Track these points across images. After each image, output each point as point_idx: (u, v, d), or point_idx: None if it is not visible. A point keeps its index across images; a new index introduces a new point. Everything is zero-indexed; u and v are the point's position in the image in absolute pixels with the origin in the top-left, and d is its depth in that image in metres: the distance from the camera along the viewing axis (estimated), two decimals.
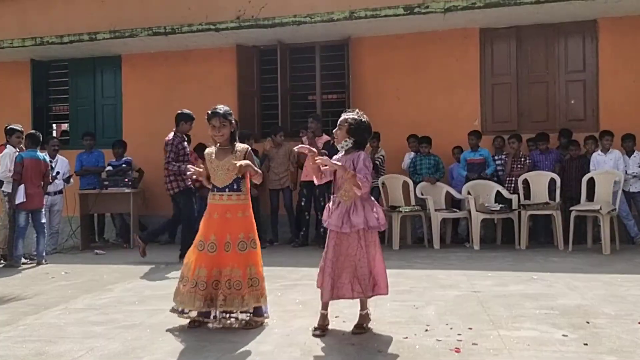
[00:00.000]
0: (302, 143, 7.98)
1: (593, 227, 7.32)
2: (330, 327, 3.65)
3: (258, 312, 3.85)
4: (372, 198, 3.72)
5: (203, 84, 9.25)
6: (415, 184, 7.87)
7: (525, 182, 7.56)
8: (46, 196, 7.48)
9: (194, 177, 3.97)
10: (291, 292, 4.81)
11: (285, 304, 4.35)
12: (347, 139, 3.62)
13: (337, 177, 3.64)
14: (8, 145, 7.20)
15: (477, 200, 7.50)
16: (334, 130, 3.73)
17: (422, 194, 7.75)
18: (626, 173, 7.31)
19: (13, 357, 3.33)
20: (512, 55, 8.50)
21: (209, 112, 3.90)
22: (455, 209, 7.89)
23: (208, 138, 4.01)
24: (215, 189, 3.89)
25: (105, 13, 9.08)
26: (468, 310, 4.09)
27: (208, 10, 8.65)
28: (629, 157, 7.51)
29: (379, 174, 7.90)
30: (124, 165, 8.69)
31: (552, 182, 7.41)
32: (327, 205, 3.76)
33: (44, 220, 7.24)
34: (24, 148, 7.11)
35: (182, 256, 6.75)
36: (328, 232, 3.65)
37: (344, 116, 3.66)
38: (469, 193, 7.53)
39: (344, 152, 3.67)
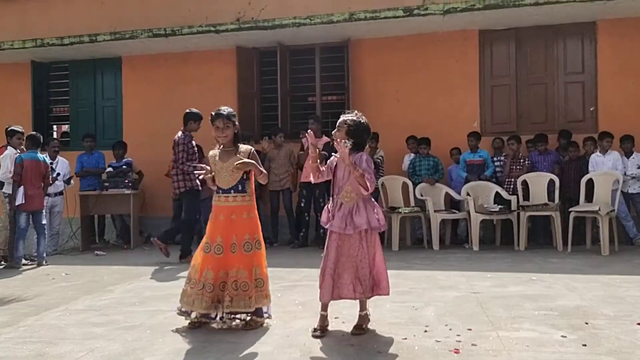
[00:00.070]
0: (303, 144, 8.02)
1: (592, 228, 7.33)
2: (329, 328, 3.67)
3: (258, 312, 3.86)
4: (372, 199, 3.73)
5: (203, 86, 9.27)
6: (415, 185, 7.88)
7: (524, 183, 7.57)
8: (47, 197, 7.49)
9: (202, 177, 3.96)
10: (291, 293, 4.82)
11: (285, 305, 4.36)
12: (346, 141, 3.63)
13: (338, 178, 3.64)
14: (9, 147, 7.22)
15: (476, 201, 7.52)
16: (332, 132, 3.74)
17: (421, 195, 7.76)
18: (625, 174, 7.32)
19: (13, 358, 3.34)
20: (511, 57, 8.52)
21: (213, 113, 3.93)
22: (454, 210, 7.90)
23: (207, 139, 4.03)
24: (220, 191, 3.90)
25: (106, 15, 9.10)
26: (467, 311, 4.11)
27: (208, 12, 8.67)
28: (628, 158, 7.53)
29: (378, 175, 7.92)
30: (124, 167, 8.70)
31: (551, 183, 7.42)
32: (325, 207, 3.77)
33: (44, 222, 7.25)
34: (24, 149, 7.13)
35: (181, 257, 6.78)
36: (328, 233, 3.66)
37: (342, 118, 3.68)
38: (468, 194, 7.54)
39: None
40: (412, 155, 8.29)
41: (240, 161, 3.80)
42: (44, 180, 7.16)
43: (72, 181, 8.53)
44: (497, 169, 8.01)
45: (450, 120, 8.46)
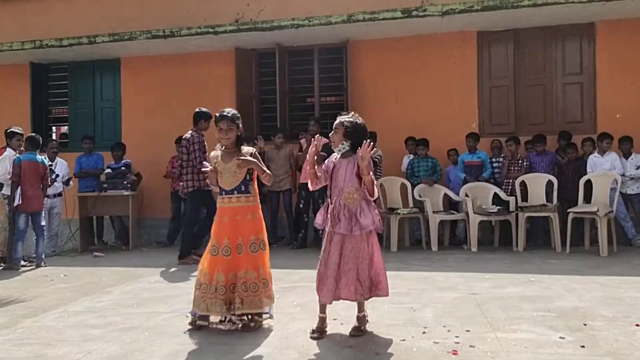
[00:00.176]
0: (301, 145, 8.02)
1: (590, 229, 7.33)
2: (327, 329, 3.67)
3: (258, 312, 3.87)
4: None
5: (202, 87, 9.28)
6: (413, 186, 7.88)
7: (523, 184, 7.58)
8: (46, 199, 7.48)
9: (207, 174, 3.95)
10: (289, 295, 4.82)
11: (284, 307, 4.35)
12: (344, 142, 3.64)
13: (338, 180, 3.62)
14: (8, 148, 7.22)
15: (475, 202, 7.52)
16: (330, 134, 3.74)
17: (420, 196, 7.77)
18: (623, 175, 7.33)
19: (11, 359, 3.34)
20: (509, 58, 8.53)
21: (217, 114, 3.93)
22: (453, 211, 7.91)
23: (208, 140, 4.04)
24: (224, 192, 3.91)
25: (105, 16, 9.10)
26: (465, 312, 4.11)
27: (207, 14, 8.67)
28: (626, 159, 7.53)
29: (377, 175, 7.91)
30: (123, 168, 8.69)
31: (550, 184, 7.43)
32: (320, 210, 3.77)
33: (43, 223, 7.25)
34: (23, 151, 7.13)
35: (180, 257, 6.77)
36: (326, 235, 3.64)
37: (339, 119, 3.68)
38: (466, 195, 7.54)
39: (340, 155, 3.67)
40: (412, 156, 8.29)
41: (243, 157, 3.80)
42: (42, 182, 7.16)
43: (71, 182, 8.53)
44: (496, 170, 8.01)
45: (448, 121, 8.46)
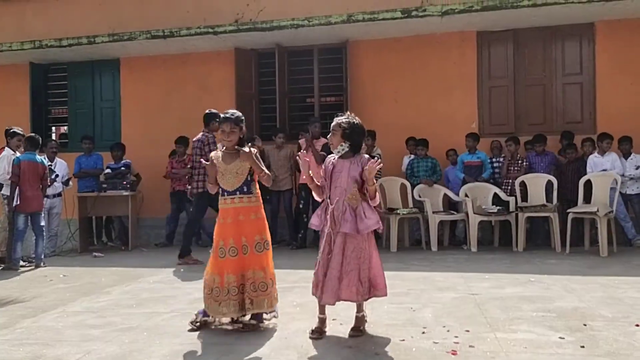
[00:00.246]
0: (300, 145, 8.00)
1: (590, 229, 7.32)
2: (327, 329, 3.66)
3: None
4: None
5: (201, 87, 9.28)
6: (413, 186, 7.88)
7: (523, 184, 7.57)
8: (45, 199, 7.48)
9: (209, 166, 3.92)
10: (289, 295, 4.81)
11: (283, 307, 4.33)
12: (343, 144, 3.63)
13: (340, 181, 3.60)
14: (6, 148, 7.22)
15: (475, 202, 7.52)
16: (328, 136, 3.74)
17: (419, 196, 7.76)
18: (623, 175, 7.32)
19: None
20: (509, 58, 8.53)
21: (222, 115, 3.93)
22: (452, 211, 7.90)
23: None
24: (226, 193, 3.90)
25: (104, 16, 9.10)
26: (465, 312, 4.10)
27: (206, 14, 8.67)
28: (626, 159, 7.52)
29: (377, 175, 7.88)
30: (122, 168, 8.69)
31: (550, 184, 7.42)
32: (317, 211, 3.75)
33: (42, 223, 7.24)
34: (23, 151, 7.13)
35: (180, 256, 6.76)
36: (326, 235, 3.62)
37: (336, 121, 3.66)
38: (466, 195, 7.54)
39: (339, 156, 3.66)
40: (412, 156, 8.29)
41: (245, 151, 3.80)
42: (42, 182, 7.15)
43: (70, 182, 8.53)
44: (496, 171, 8.01)
45: (448, 122, 8.46)
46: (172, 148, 8.74)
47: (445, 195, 7.95)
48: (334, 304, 3.57)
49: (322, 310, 3.67)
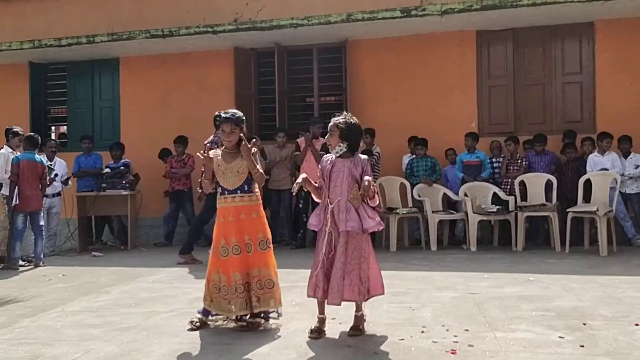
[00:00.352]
0: (298, 145, 8.01)
1: (590, 228, 7.32)
2: (326, 329, 3.66)
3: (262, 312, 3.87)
4: None
5: (201, 87, 9.28)
6: (412, 185, 7.87)
7: (522, 184, 7.57)
8: (44, 198, 7.47)
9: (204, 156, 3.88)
10: (288, 294, 4.79)
11: (283, 306, 4.33)
12: (341, 144, 3.62)
13: (340, 180, 3.60)
14: (5, 146, 7.22)
15: (474, 201, 7.51)
16: (325, 137, 3.73)
17: (419, 196, 7.76)
18: (623, 175, 7.32)
19: (9, 359, 3.33)
20: (509, 58, 8.52)
21: (222, 115, 3.91)
22: (452, 211, 7.90)
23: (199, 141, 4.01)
24: (226, 192, 3.89)
25: (103, 16, 9.09)
26: (464, 312, 4.10)
27: (206, 13, 8.66)
28: (625, 158, 7.52)
29: (375, 173, 7.89)
30: (121, 168, 8.68)
31: (549, 183, 7.41)
32: (315, 211, 3.74)
33: (42, 223, 7.23)
34: (22, 150, 7.13)
35: (181, 252, 6.76)
36: (326, 235, 3.61)
37: (333, 121, 3.66)
38: (465, 195, 7.53)
39: (337, 156, 3.65)
40: (412, 156, 8.28)
41: (245, 144, 3.80)
42: (41, 182, 7.15)
43: (69, 182, 8.53)
44: (496, 170, 8.00)
45: (448, 121, 8.45)
46: (171, 147, 8.71)
47: (444, 194, 7.95)
48: (340, 304, 3.56)
49: (321, 309, 3.67)
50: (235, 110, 3.99)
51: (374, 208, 3.68)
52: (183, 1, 8.88)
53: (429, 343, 3.38)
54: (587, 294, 4.60)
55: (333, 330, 3.69)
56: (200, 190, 6.86)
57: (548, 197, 7.40)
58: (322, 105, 9.11)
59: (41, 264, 7.04)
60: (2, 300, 5.03)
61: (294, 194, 4.07)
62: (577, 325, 3.69)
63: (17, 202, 6.87)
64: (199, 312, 3.96)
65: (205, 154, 3.87)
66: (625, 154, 7.55)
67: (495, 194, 7.63)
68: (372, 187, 3.53)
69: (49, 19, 9.33)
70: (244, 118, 3.97)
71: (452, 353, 3.18)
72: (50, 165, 7.82)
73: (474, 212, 7.39)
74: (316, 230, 3.73)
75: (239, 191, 3.87)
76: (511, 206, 7.44)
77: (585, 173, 7.33)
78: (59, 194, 8.27)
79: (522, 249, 7.24)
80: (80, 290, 5.38)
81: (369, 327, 3.70)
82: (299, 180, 3.64)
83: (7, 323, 4.17)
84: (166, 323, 4.03)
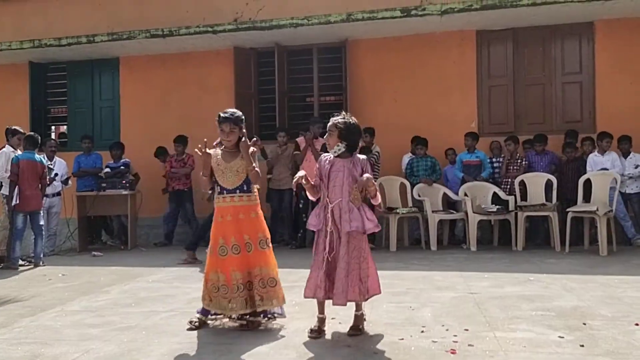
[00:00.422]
0: (298, 144, 8.00)
1: (590, 228, 7.32)
2: (326, 328, 3.65)
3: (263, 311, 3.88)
4: None
5: (201, 86, 9.27)
6: (412, 185, 7.87)
7: (522, 184, 7.57)
8: (44, 198, 7.47)
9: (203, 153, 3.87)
10: (288, 294, 4.76)
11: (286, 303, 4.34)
12: (339, 144, 3.62)
13: (341, 179, 3.60)
14: (7, 145, 7.23)
15: (474, 201, 7.51)
16: (324, 137, 3.74)
17: (419, 196, 7.76)
18: (622, 174, 7.31)
19: (8, 359, 3.33)
20: (508, 57, 8.52)
21: (221, 115, 3.90)
22: (452, 211, 7.89)
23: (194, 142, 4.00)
24: (225, 191, 3.89)
25: (103, 15, 9.09)
26: (464, 311, 4.10)
27: (206, 13, 8.66)
28: (625, 158, 7.52)
29: (375, 173, 7.88)
30: (121, 167, 8.68)
31: (549, 183, 7.41)
32: (315, 210, 3.73)
33: (41, 222, 7.23)
34: (22, 149, 7.13)
35: (188, 248, 6.76)
36: (328, 235, 3.59)
37: (332, 121, 3.66)
38: (465, 194, 7.53)
39: (335, 156, 3.64)
40: (412, 155, 8.27)
41: (244, 141, 3.80)
42: (41, 181, 7.14)
43: (69, 182, 8.52)
44: (496, 170, 8.00)
45: (447, 121, 8.45)
46: (171, 147, 8.71)
47: (444, 194, 7.94)
48: (345, 305, 3.56)
49: (321, 309, 3.67)
50: (234, 110, 3.98)
51: (373, 209, 3.69)
52: (183, 1, 8.88)
53: (428, 343, 3.38)
54: (587, 293, 4.60)
55: (333, 330, 3.69)
56: (210, 192, 6.87)
57: (548, 196, 7.40)
58: (322, 105, 9.11)
59: (41, 263, 7.04)
60: (1, 299, 5.03)
61: (294, 189, 4.06)
62: (577, 325, 3.69)
63: (17, 201, 6.87)
64: (197, 312, 3.96)
65: (204, 150, 3.85)
66: (625, 154, 7.55)
67: (495, 193, 7.63)
68: (373, 184, 3.54)
69: (48, 18, 9.33)
70: (243, 117, 3.96)
71: (452, 353, 3.18)
72: (50, 165, 7.81)
73: (473, 212, 7.39)
74: (315, 229, 3.73)
75: (238, 191, 3.87)
76: (511, 206, 7.44)
77: (585, 173, 7.33)
78: (58, 194, 8.26)
79: (522, 248, 7.24)
80: (80, 289, 5.38)
81: (369, 327, 3.70)
82: (299, 174, 3.64)
83: (6, 323, 4.17)
84: (166, 323, 4.02)
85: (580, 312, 4.00)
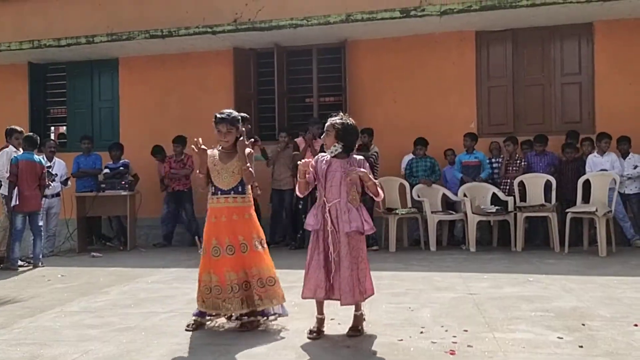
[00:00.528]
0: (298, 144, 8.00)
1: (589, 229, 7.32)
2: (325, 329, 3.65)
3: (263, 312, 3.87)
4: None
5: (200, 87, 9.27)
6: (412, 186, 7.87)
7: (521, 184, 7.57)
8: (44, 199, 7.46)
9: (199, 151, 3.85)
10: (287, 294, 4.75)
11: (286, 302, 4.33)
12: (336, 144, 3.62)
13: (338, 180, 3.60)
14: (9, 145, 7.22)
15: (473, 202, 7.51)
16: (322, 137, 3.74)
17: (418, 196, 7.75)
18: (622, 175, 7.32)
19: None
20: (508, 58, 8.52)
21: (218, 115, 3.89)
22: (451, 211, 7.89)
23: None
24: (219, 192, 3.88)
25: (103, 16, 9.09)
26: (463, 312, 4.10)
27: (205, 13, 8.66)
28: (624, 159, 7.53)
29: (373, 172, 7.86)
30: (121, 168, 8.67)
31: (548, 184, 7.42)
32: (312, 210, 3.73)
33: (41, 223, 7.23)
34: (21, 150, 7.13)
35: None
36: (330, 235, 3.59)
37: (330, 122, 3.66)
38: (465, 195, 7.53)
39: (332, 156, 3.64)
40: (412, 156, 8.26)
41: (242, 140, 3.80)
42: (40, 182, 7.14)
43: (69, 182, 8.52)
44: (495, 171, 8.00)
45: (447, 122, 8.46)
46: (170, 148, 8.71)
47: (444, 195, 7.94)
48: (354, 304, 3.57)
49: (320, 310, 3.67)
50: (231, 110, 3.98)
51: (372, 209, 3.69)
52: (183, 1, 8.88)
53: (428, 343, 3.38)
54: (586, 294, 4.61)
55: (332, 330, 3.69)
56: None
57: (547, 197, 7.40)
58: (322, 105, 9.11)
59: (40, 264, 7.03)
60: (1, 300, 5.03)
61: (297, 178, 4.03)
62: (576, 325, 3.69)
63: (16, 202, 6.86)
64: (194, 315, 3.95)
65: (199, 146, 3.84)
66: (624, 155, 7.55)
67: (494, 194, 7.63)
68: (370, 180, 3.53)
69: (48, 19, 9.34)
70: (239, 117, 3.95)
71: (451, 353, 3.18)
72: (49, 165, 7.80)
73: (473, 213, 7.39)
74: (313, 229, 3.72)
75: (232, 192, 3.86)
76: (510, 207, 7.44)
77: (584, 173, 7.34)
78: (58, 195, 8.25)
79: (521, 249, 7.24)
80: (79, 290, 5.37)
81: (368, 328, 3.70)
82: (305, 161, 3.64)
83: (5, 323, 4.17)
84: (165, 323, 4.02)
85: (580, 313, 4.00)
